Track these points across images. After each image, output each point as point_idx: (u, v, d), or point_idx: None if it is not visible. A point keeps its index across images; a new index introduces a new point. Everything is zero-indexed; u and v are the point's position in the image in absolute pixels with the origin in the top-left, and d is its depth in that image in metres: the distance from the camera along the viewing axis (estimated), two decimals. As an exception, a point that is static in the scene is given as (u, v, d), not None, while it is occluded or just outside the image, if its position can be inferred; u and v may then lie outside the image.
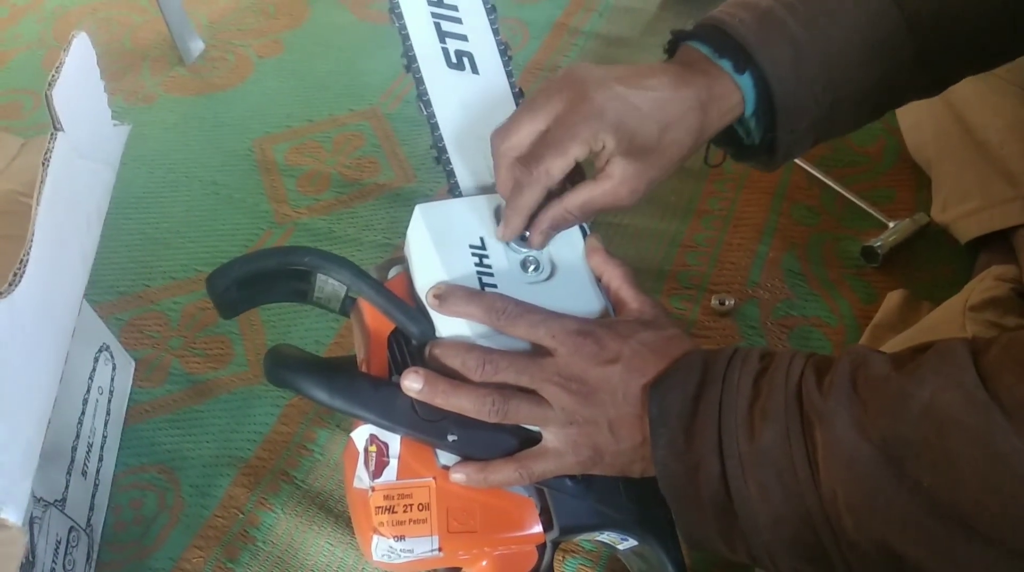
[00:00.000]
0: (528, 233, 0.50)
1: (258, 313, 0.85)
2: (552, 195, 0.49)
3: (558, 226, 0.50)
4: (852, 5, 0.51)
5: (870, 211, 0.85)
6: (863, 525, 0.38)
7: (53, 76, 0.49)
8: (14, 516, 0.44)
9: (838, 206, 0.88)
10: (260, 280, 0.49)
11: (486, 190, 0.54)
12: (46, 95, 0.48)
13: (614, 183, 0.48)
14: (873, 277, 0.81)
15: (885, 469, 0.37)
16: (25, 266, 0.45)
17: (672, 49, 0.55)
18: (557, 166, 0.47)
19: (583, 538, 0.52)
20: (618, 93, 0.48)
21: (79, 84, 0.52)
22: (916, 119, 0.86)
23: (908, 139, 0.89)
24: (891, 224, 0.83)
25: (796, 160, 0.92)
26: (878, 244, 0.81)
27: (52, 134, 0.47)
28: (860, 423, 0.38)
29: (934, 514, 0.36)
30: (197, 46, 1.19)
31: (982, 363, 0.36)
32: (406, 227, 0.51)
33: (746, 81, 0.50)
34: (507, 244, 0.50)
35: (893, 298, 0.76)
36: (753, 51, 0.50)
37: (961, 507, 0.35)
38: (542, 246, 0.50)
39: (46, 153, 0.46)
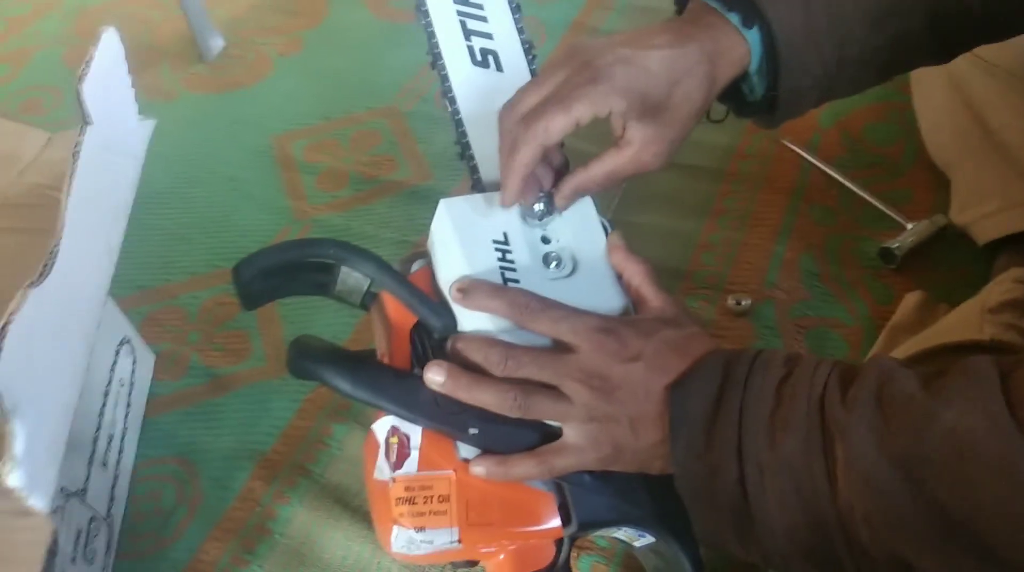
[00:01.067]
0: (539, 206, 0.51)
1: (275, 308, 0.86)
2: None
3: (581, 192, 0.51)
4: None
5: (888, 212, 0.85)
6: (878, 539, 0.38)
7: (83, 70, 0.50)
8: (41, 504, 0.45)
9: (856, 207, 0.88)
10: (284, 271, 0.50)
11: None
12: (76, 89, 0.49)
13: (635, 149, 0.49)
14: (890, 278, 0.81)
15: (903, 487, 0.37)
16: (55, 258, 0.45)
17: (682, 4, 0.55)
18: (558, 123, 0.46)
19: (599, 534, 0.52)
20: (623, 55, 0.48)
21: (108, 78, 0.53)
22: (935, 120, 0.86)
23: (927, 140, 0.89)
24: (909, 225, 0.82)
25: (814, 160, 0.92)
26: (896, 245, 0.81)
27: (82, 127, 0.48)
28: (881, 439, 0.38)
29: (950, 534, 0.36)
30: (217, 43, 1.20)
31: (1010, 387, 0.36)
32: (423, 224, 0.51)
33: (753, 35, 0.50)
34: (528, 238, 0.51)
35: (910, 300, 0.76)
36: (762, 5, 0.50)
37: (978, 530, 0.35)
38: (564, 208, 0.51)
39: (76, 146, 0.46)
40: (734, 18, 0.50)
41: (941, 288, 0.78)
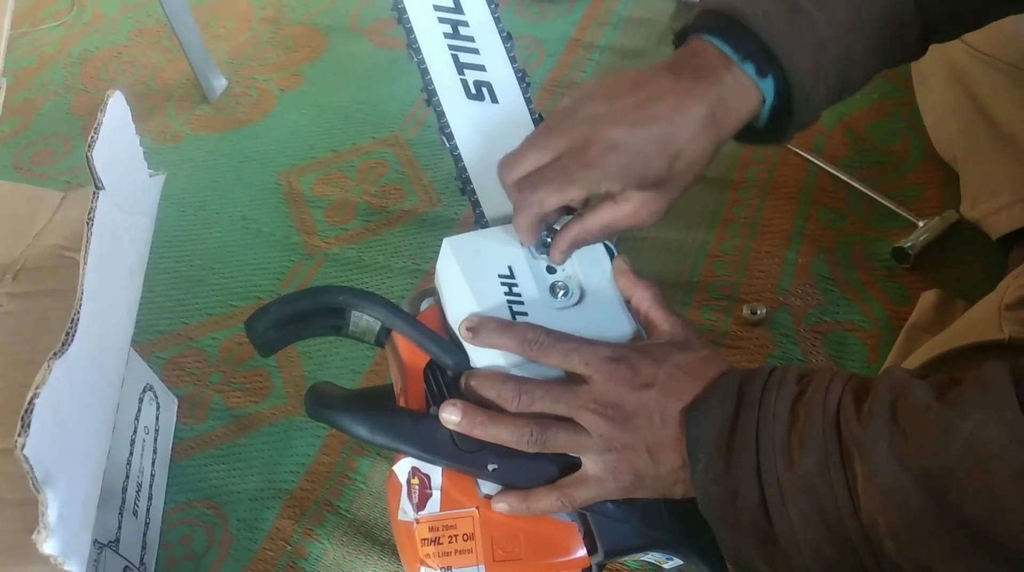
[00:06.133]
0: (546, 238, 0.51)
1: (295, 346, 0.86)
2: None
3: (578, 245, 0.51)
4: None
5: (898, 211, 0.85)
6: (905, 551, 0.38)
7: (92, 137, 0.51)
8: (77, 567, 0.45)
9: (865, 208, 0.87)
10: (297, 319, 0.50)
11: (511, 219, 0.54)
12: (87, 156, 0.50)
13: (634, 206, 0.49)
14: (905, 278, 0.81)
15: (926, 499, 0.37)
16: (76, 325, 0.46)
17: (680, 41, 0.52)
18: (551, 201, 0.47)
19: (628, 558, 0.52)
20: (620, 139, 0.46)
21: (117, 142, 0.54)
22: (940, 115, 0.86)
23: (933, 136, 0.88)
24: (920, 223, 0.82)
25: (820, 163, 0.92)
26: (909, 244, 0.80)
27: (95, 193, 0.49)
28: (900, 453, 0.38)
29: (977, 544, 0.36)
30: (220, 83, 1.21)
31: None
32: (433, 252, 0.52)
33: (767, 84, 0.48)
34: (534, 270, 0.51)
35: (927, 298, 0.75)
36: (779, 53, 0.47)
37: (1004, 539, 0.35)
38: (562, 262, 0.51)
39: (90, 212, 0.47)
40: (749, 68, 0.48)
41: (957, 285, 0.77)
